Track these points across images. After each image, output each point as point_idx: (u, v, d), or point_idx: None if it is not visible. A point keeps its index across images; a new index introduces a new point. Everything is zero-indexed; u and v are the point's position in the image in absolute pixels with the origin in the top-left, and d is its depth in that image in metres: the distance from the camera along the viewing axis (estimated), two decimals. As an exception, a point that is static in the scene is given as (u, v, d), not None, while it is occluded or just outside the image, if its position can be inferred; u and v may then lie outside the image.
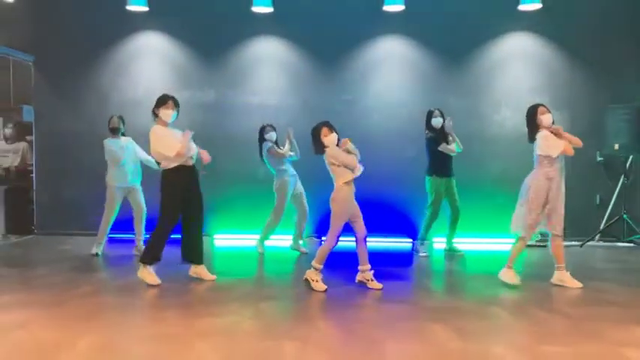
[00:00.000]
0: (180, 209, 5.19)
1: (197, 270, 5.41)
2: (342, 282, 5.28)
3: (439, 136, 6.52)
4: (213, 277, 5.39)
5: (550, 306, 4.61)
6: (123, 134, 6.53)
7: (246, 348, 3.61)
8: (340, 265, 5.83)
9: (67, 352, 3.44)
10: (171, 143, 5.07)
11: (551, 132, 5.12)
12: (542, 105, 5.25)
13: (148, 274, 5.13)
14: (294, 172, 6.64)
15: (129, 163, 6.44)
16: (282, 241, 6.99)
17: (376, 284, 5.08)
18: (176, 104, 5.29)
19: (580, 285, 5.14)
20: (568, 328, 4.03)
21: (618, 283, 5.41)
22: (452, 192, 6.64)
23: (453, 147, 6.53)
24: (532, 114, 5.23)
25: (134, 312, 4.38)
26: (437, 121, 6.53)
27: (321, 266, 5.05)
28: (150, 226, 5.91)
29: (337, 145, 5.02)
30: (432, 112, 6.59)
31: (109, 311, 4.45)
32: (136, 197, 6.51)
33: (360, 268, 5.17)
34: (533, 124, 5.21)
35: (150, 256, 5.15)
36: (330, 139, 4.99)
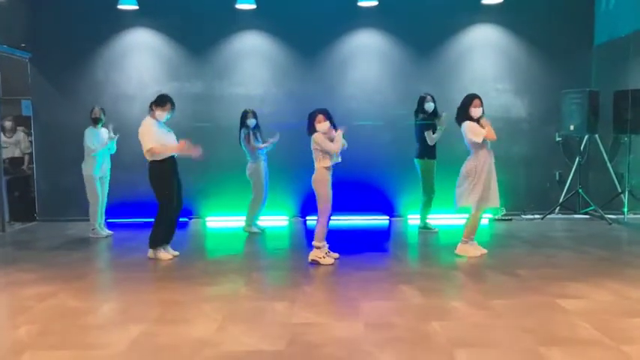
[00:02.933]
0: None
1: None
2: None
3: (430, 120, 6.83)
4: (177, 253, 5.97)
5: (503, 269, 5.34)
6: (103, 125, 7.07)
7: (244, 308, 4.30)
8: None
9: (94, 315, 4.11)
10: (153, 137, 5.57)
11: (477, 122, 5.62)
12: (477, 98, 5.69)
13: (162, 253, 5.77)
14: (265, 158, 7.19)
15: (104, 153, 7.01)
16: (270, 221, 7.64)
17: (332, 256, 5.65)
18: (173, 107, 5.80)
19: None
20: (514, 286, 4.78)
21: (563, 249, 6.24)
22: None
23: (434, 137, 6.82)
24: (467, 104, 5.69)
25: (145, 283, 5.02)
26: (429, 106, 6.87)
27: (322, 243, 5.55)
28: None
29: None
30: (424, 98, 6.92)
31: (123, 283, 5.10)
32: (105, 186, 7.14)
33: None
34: (464, 112, 5.69)
35: (156, 240, 5.78)
36: (321, 125, 5.45)
